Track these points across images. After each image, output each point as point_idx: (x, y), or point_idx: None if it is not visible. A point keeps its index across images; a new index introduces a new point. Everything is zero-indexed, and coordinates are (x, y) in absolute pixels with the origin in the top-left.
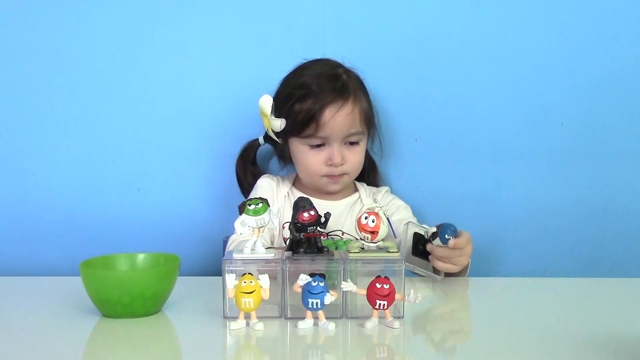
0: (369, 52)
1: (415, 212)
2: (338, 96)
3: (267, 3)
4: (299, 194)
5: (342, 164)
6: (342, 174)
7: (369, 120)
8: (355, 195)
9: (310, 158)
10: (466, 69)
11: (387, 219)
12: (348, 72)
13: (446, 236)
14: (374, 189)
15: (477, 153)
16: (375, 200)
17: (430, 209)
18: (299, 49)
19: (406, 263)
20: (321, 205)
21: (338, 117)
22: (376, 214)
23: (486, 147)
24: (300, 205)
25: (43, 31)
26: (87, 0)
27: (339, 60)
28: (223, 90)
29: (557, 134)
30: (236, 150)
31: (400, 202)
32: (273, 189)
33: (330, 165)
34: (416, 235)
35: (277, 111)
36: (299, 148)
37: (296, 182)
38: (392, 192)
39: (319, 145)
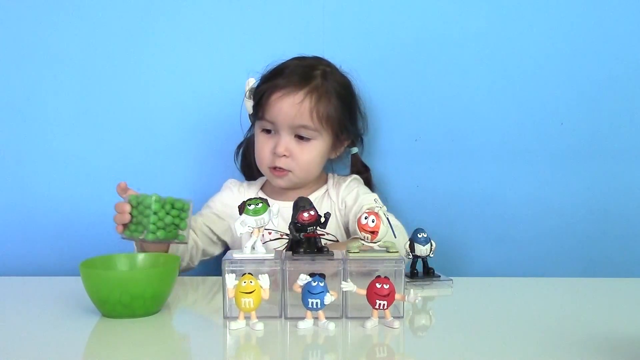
0: (369, 52)
1: (415, 212)
2: (292, 83)
3: (267, 3)
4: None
5: (285, 156)
6: (287, 170)
7: (331, 123)
8: (323, 189)
9: (261, 143)
10: (466, 69)
11: (387, 219)
12: (330, 73)
13: (418, 235)
14: (341, 178)
15: (477, 153)
16: (375, 200)
17: (430, 209)
18: (298, 49)
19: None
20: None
21: (283, 103)
22: (376, 214)
23: (486, 147)
24: (300, 205)
25: (42, 31)
26: (85, 0)
27: (338, 62)
28: (223, 91)
29: (557, 134)
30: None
31: (371, 198)
32: (238, 192)
33: (275, 154)
34: None
35: (254, 93)
36: (256, 132)
37: (265, 187)
38: (389, 190)
39: (269, 131)
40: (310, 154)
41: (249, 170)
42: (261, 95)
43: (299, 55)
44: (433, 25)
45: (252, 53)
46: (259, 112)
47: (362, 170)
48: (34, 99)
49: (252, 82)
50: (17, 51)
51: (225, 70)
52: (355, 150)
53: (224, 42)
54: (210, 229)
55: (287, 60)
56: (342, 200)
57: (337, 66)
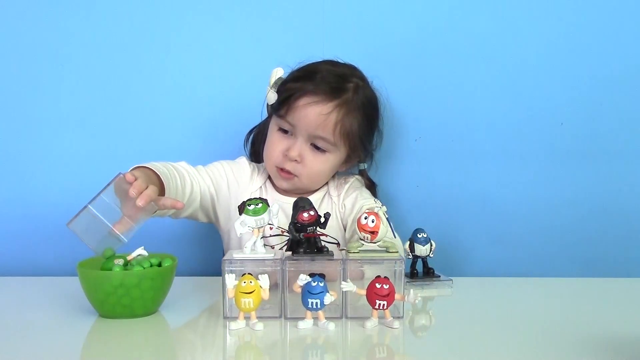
0: (369, 52)
1: (415, 212)
2: (323, 92)
3: (267, 3)
4: (272, 191)
5: (296, 161)
6: (293, 175)
7: (351, 139)
8: (324, 189)
9: (274, 141)
10: (466, 69)
11: (387, 219)
12: (362, 87)
13: (418, 235)
14: (342, 178)
15: (477, 153)
16: (376, 200)
17: (430, 209)
18: (299, 49)
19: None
20: (282, 201)
21: (310, 110)
22: (376, 214)
23: (486, 147)
24: (300, 206)
25: (43, 31)
26: (86, 0)
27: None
28: (223, 91)
29: (557, 134)
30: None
31: (364, 195)
32: (248, 175)
33: (286, 156)
34: None
35: (279, 86)
36: (272, 128)
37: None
38: (389, 190)
39: (286, 132)
40: (321, 165)
41: (257, 156)
42: (289, 95)
43: (332, 60)
44: (433, 26)
45: (252, 53)
46: (281, 110)
47: (368, 185)
48: (34, 99)
49: (279, 72)
50: (17, 51)
51: (224, 70)
52: (364, 166)
53: (223, 42)
54: (213, 196)
55: (319, 63)
56: (342, 202)
57: (370, 80)
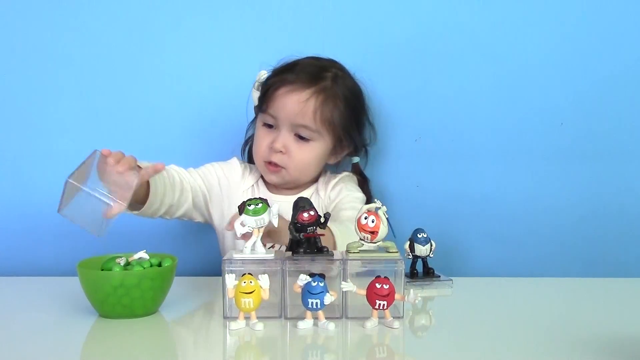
0: (369, 51)
1: (415, 212)
2: (301, 80)
3: (267, 3)
4: (264, 189)
5: (281, 152)
6: (281, 167)
7: (334, 128)
8: (313, 187)
9: (260, 136)
10: (466, 69)
11: (387, 219)
12: (342, 77)
13: (418, 235)
14: (332, 175)
15: (477, 153)
16: (376, 200)
17: (430, 209)
18: (299, 49)
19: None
20: (273, 198)
21: (288, 99)
22: (376, 214)
23: (486, 147)
24: (300, 206)
25: (43, 31)
26: (86, 0)
27: (339, 60)
28: (222, 90)
29: (557, 134)
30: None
31: (354, 195)
32: (239, 174)
33: (271, 149)
34: None
35: (262, 84)
36: (258, 126)
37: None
38: (388, 190)
39: (271, 126)
40: (307, 154)
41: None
42: (268, 88)
43: (315, 55)
44: (433, 25)
45: (251, 53)
46: (263, 104)
47: (360, 181)
48: (34, 99)
49: (263, 74)
50: (17, 51)
51: (224, 70)
52: (356, 159)
53: (223, 42)
54: (205, 195)
55: (302, 58)
56: (327, 197)
57: (351, 73)
